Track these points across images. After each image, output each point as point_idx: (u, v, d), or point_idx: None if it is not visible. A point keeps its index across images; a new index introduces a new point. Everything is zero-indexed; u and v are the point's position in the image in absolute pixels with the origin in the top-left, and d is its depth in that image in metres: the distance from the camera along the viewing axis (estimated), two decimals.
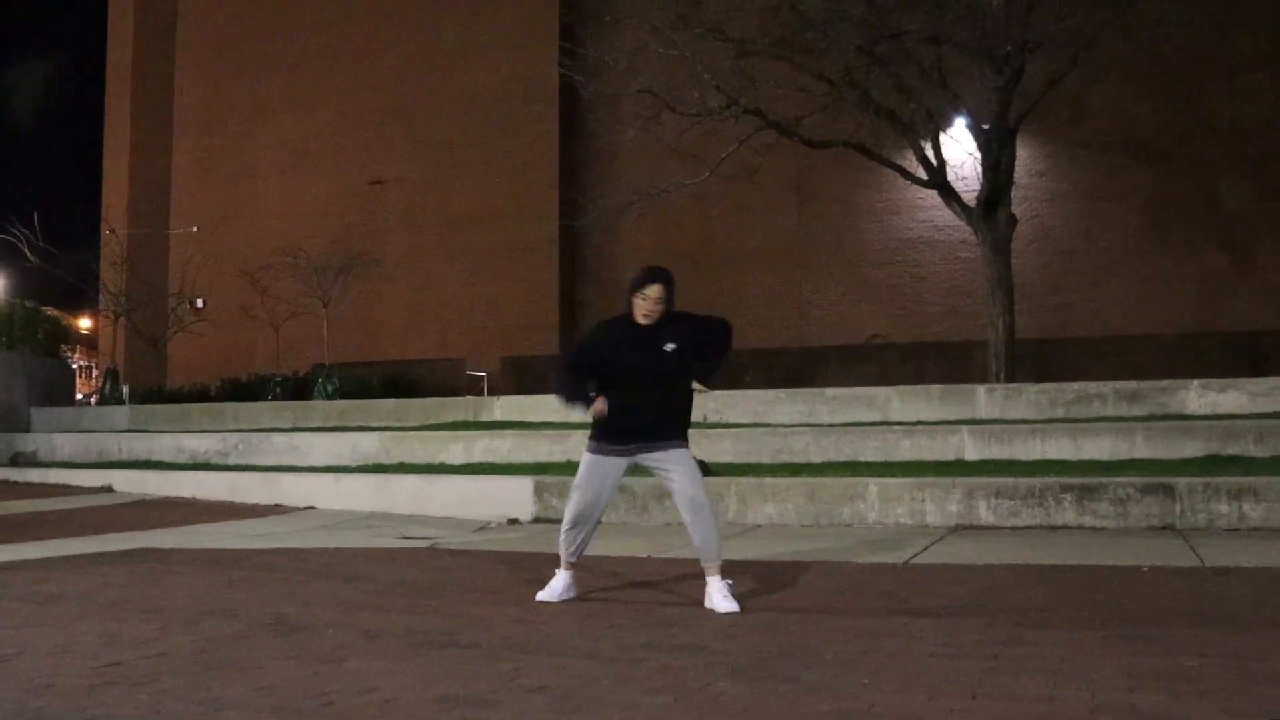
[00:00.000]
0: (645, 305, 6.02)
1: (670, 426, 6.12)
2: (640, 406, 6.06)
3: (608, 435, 6.15)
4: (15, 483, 15.40)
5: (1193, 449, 10.77)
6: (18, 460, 16.97)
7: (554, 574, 6.31)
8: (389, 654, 4.84)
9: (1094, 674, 4.19)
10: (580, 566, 6.38)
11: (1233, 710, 3.69)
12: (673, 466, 6.09)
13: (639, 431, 6.08)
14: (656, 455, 6.09)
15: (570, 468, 12.06)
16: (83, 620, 5.68)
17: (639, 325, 6.06)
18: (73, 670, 4.51)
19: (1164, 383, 13.28)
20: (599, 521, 6.33)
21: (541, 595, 6.21)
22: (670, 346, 6.04)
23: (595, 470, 6.18)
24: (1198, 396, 12.85)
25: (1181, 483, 8.92)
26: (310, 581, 7.13)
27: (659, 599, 6.29)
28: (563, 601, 6.16)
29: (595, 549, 8.37)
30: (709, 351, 6.29)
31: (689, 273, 27.60)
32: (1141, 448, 10.97)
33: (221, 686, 4.24)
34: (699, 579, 6.87)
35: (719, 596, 5.89)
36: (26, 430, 18.97)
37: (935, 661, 4.47)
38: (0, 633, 5.34)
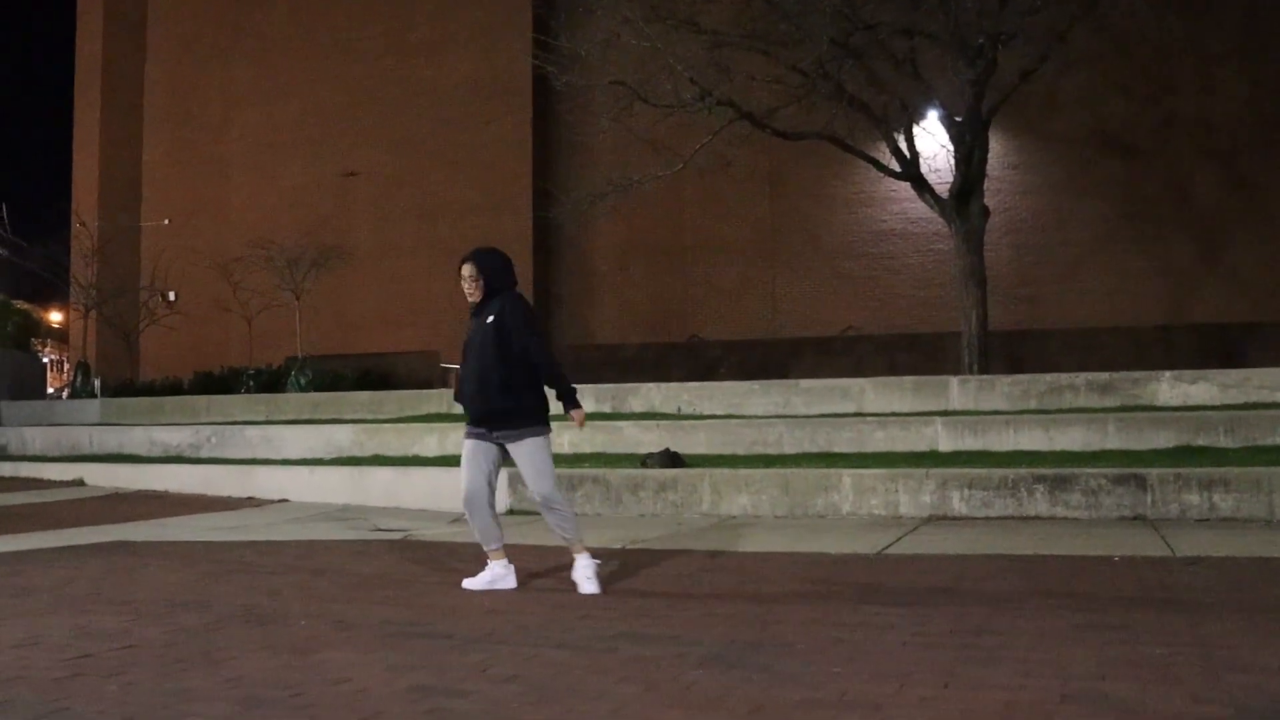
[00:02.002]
0: (464, 286, 6.33)
1: (513, 412, 6.16)
2: (474, 383, 6.21)
3: (465, 410, 6.36)
4: None
5: (1164, 440, 10.86)
6: None
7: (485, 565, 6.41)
8: (361, 645, 4.82)
9: (1064, 662, 4.22)
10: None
11: (1201, 698, 3.71)
12: (521, 459, 6.20)
13: (479, 408, 6.22)
14: (513, 446, 6.19)
15: None
16: (53, 613, 5.64)
17: (472, 308, 6.38)
18: (42, 662, 4.48)
19: (1136, 374, 13.37)
20: (493, 508, 6.32)
21: (467, 582, 6.31)
22: (490, 319, 6.22)
23: (466, 455, 6.31)
24: (1169, 388, 12.95)
25: (1153, 473, 8.98)
26: (283, 574, 7.11)
27: (631, 589, 6.29)
28: (532, 593, 6.17)
29: None
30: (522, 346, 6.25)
31: (662, 264, 27.79)
32: (1113, 439, 11.04)
33: (191, 678, 4.21)
34: (673, 570, 6.89)
35: (582, 576, 6.10)
36: None
37: (907, 650, 4.48)
38: None
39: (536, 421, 6.22)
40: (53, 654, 4.65)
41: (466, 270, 6.29)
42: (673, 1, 18.44)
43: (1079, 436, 11.19)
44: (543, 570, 6.95)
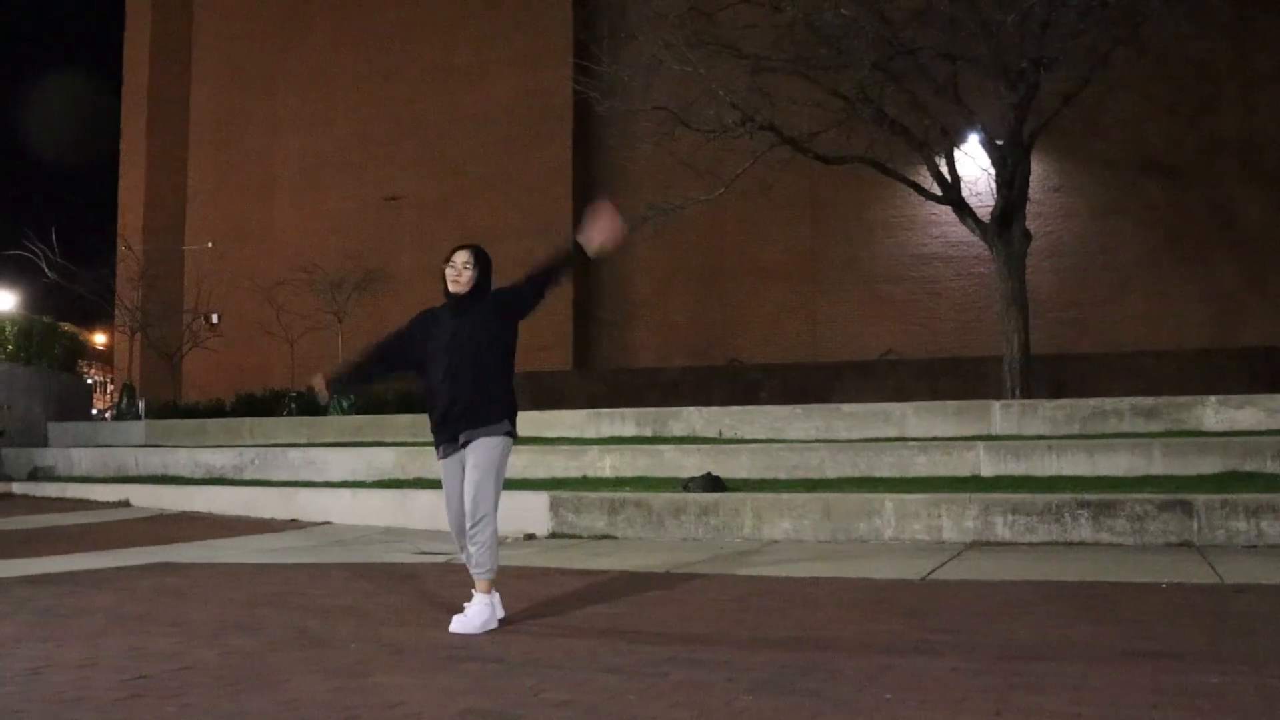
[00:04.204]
0: (453, 272, 5.88)
1: (482, 405, 5.80)
2: (448, 386, 5.80)
3: (433, 429, 5.96)
4: (34, 497, 15.54)
5: (1210, 465, 10.76)
6: (36, 475, 17.08)
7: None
8: (412, 668, 4.87)
9: (1116, 691, 4.20)
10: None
11: None
12: (469, 462, 5.80)
13: (452, 413, 5.80)
14: (471, 445, 5.79)
15: (587, 484, 12.14)
16: (108, 634, 5.72)
17: (453, 301, 5.90)
18: (101, 683, 4.56)
19: (1181, 399, 13.25)
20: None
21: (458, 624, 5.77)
22: (479, 312, 5.85)
23: (445, 481, 5.97)
24: (1215, 412, 12.82)
25: (1199, 499, 8.90)
26: (331, 596, 7.17)
27: (678, 614, 6.30)
28: (580, 617, 6.16)
29: (613, 563, 8.43)
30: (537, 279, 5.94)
31: (703, 288, 27.83)
32: (1159, 464, 10.96)
33: (249, 700, 4.27)
34: (718, 594, 6.90)
35: (469, 610, 5.75)
36: (44, 445, 19.09)
37: (957, 677, 4.48)
38: (29, 645, 5.40)
39: (502, 419, 5.83)
40: (111, 675, 4.72)
41: (461, 257, 5.89)
42: (715, 27, 18.51)
43: (1123, 462, 11.12)
44: (588, 594, 6.98)
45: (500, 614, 5.93)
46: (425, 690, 4.42)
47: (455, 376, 5.80)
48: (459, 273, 5.88)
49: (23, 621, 6.12)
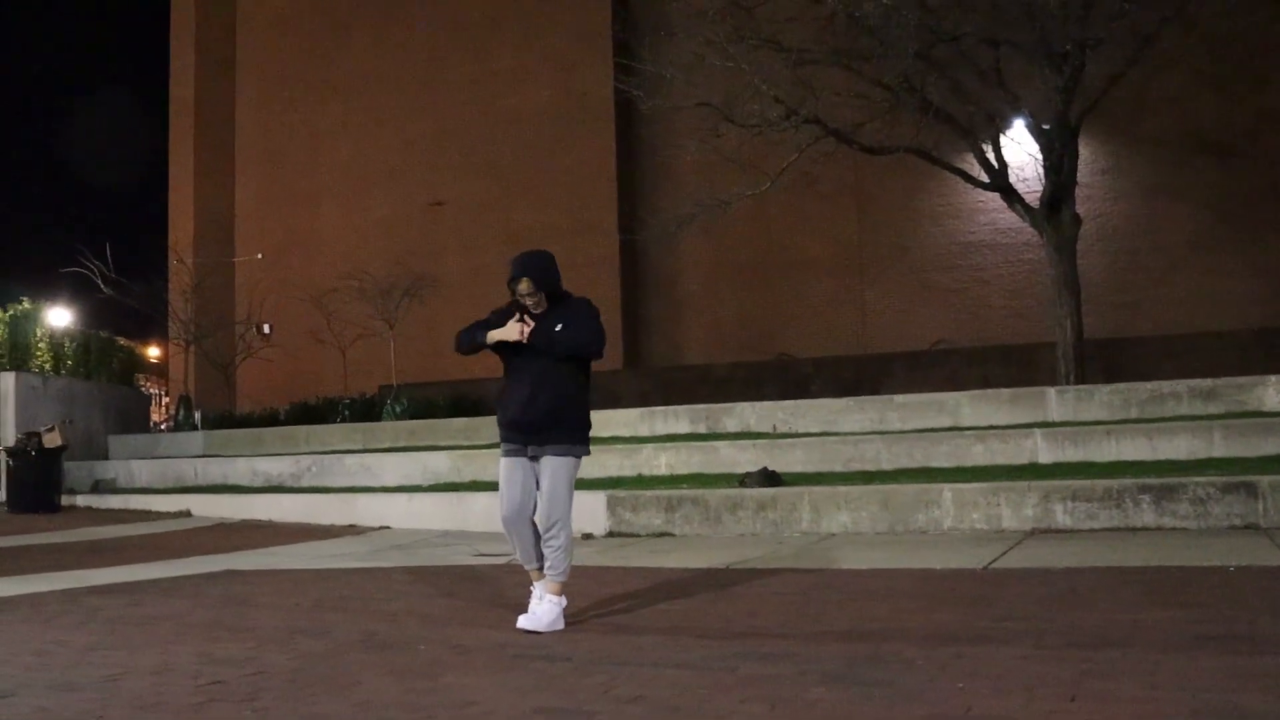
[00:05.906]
0: (527, 303, 6.02)
1: (557, 425, 5.88)
2: (529, 390, 5.90)
3: (503, 427, 6.03)
4: (97, 509, 15.79)
5: (1274, 446, 10.61)
6: (98, 487, 17.32)
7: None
8: (482, 668, 4.90)
9: (1192, 675, 4.16)
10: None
11: None
12: (544, 474, 5.90)
13: (527, 421, 5.89)
14: (545, 459, 5.89)
15: (643, 482, 12.17)
16: (179, 641, 5.80)
17: (532, 312, 6.03)
18: (178, 689, 4.62)
19: (1241, 379, 13.09)
20: (535, 526, 5.92)
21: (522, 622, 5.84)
22: (559, 326, 5.93)
23: (505, 473, 5.99)
24: (1277, 392, 12.65)
25: (1264, 481, 8.79)
26: (394, 599, 7.23)
27: (742, 609, 6.30)
28: (644, 613, 6.17)
29: (673, 560, 8.45)
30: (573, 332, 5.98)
31: (751, 283, 27.76)
32: (1220, 446, 10.83)
33: (323, 703, 4.32)
34: (781, 589, 6.89)
35: (537, 611, 5.81)
36: (105, 458, 19.35)
37: (1028, 664, 4.45)
38: (104, 653, 5.48)
39: (578, 440, 5.97)
40: (186, 681, 4.79)
41: (525, 287, 5.98)
42: (755, 21, 18.44)
43: (1184, 445, 11.00)
44: (650, 591, 6.99)
45: (564, 602, 5.95)
46: (497, 689, 4.46)
47: (534, 388, 5.90)
48: (530, 302, 6.02)
49: (96, 630, 6.22)
